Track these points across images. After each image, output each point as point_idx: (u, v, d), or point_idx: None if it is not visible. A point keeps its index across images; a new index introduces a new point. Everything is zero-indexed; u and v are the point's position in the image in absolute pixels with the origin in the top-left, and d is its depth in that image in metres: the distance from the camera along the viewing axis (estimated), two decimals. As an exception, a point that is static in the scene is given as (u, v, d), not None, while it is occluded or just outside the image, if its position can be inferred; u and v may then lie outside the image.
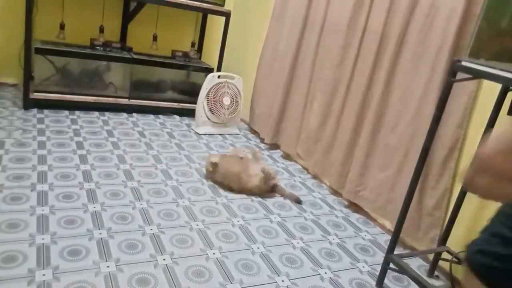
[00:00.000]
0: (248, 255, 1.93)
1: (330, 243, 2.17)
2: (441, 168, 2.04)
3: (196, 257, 1.83)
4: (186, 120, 3.69)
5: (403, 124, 2.25)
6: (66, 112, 3.25)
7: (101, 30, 3.58)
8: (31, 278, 1.52)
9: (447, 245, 1.98)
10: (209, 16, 4.05)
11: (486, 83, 1.88)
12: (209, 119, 3.44)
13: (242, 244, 2.00)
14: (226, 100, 3.42)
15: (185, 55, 3.83)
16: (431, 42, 2.10)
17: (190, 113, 3.68)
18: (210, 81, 3.36)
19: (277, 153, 3.31)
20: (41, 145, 2.61)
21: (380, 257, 2.11)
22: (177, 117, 3.73)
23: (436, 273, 2.05)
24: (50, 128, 2.89)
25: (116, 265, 1.67)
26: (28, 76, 3.13)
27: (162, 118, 3.61)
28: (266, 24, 3.45)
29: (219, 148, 3.17)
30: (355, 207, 2.59)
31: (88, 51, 3.36)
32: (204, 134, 3.39)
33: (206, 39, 4.14)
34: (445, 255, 1.98)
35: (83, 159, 2.53)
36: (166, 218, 2.09)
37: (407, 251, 2.18)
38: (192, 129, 3.48)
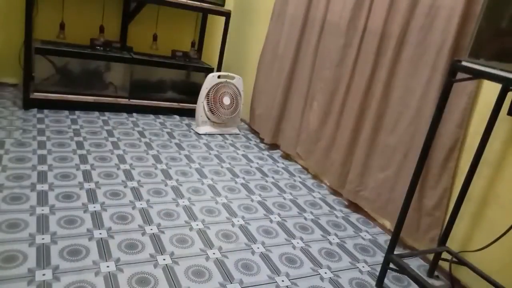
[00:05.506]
0: (248, 255, 1.93)
1: (330, 243, 2.17)
2: (441, 168, 2.04)
3: (196, 257, 1.83)
4: (186, 120, 3.70)
5: (403, 124, 2.25)
6: (66, 112, 3.25)
7: (101, 30, 3.58)
8: (31, 278, 1.52)
9: (447, 245, 1.98)
10: (209, 16, 4.05)
11: (486, 83, 1.89)
12: (209, 119, 3.44)
13: (242, 244, 2.00)
14: (226, 100, 3.42)
15: (185, 55, 3.83)
16: (431, 42, 2.10)
17: (190, 113, 3.68)
18: (210, 81, 3.36)
19: (277, 153, 3.31)
20: (41, 145, 2.61)
21: (380, 257, 2.11)
22: (177, 117, 3.73)
23: (436, 273, 2.05)
24: (50, 128, 2.89)
25: (116, 265, 1.67)
26: (28, 76, 3.13)
27: (162, 118, 3.61)
28: (266, 24, 3.45)
29: (219, 148, 3.17)
30: (355, 207, 2.59)
31: (88, 51, 3.35)
32: (204, 134, 3.40)
33: (206, 39, 4.14)
34: (445, 255, 1.98)
35: (83, 159, 2.54)
36: (166, 218, 2.09)
37: (407, 251, 2.18)
38: (192, 129, 3.48)
